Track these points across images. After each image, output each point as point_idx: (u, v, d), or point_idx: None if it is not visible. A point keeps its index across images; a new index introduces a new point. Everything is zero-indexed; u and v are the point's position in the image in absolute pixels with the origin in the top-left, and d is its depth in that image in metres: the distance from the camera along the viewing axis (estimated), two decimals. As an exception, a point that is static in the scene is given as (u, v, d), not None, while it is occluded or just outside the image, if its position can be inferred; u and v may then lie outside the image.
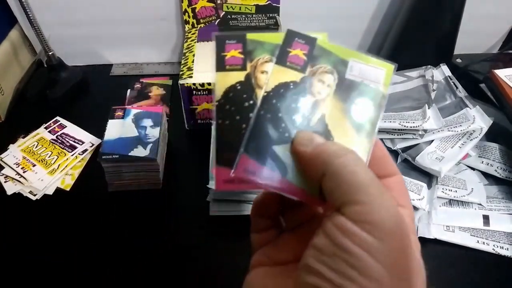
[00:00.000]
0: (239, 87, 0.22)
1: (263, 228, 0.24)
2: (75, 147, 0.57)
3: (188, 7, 0.66)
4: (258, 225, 0.25)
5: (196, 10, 0.66)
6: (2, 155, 0.55)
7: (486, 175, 0.52)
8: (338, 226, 0.17)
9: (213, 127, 0.22)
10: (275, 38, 0.22)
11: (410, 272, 0.16)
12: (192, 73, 0.56)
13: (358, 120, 0.21)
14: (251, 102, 0.21)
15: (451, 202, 0.49)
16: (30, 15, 0.58)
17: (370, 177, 0.17)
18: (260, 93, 0.22)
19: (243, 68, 0.22)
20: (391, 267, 0.16)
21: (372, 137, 0.21)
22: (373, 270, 0.15)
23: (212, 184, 0.46)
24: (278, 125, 0.21)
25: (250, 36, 0.22)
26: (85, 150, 0.57)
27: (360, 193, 0.17)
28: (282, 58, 0.22)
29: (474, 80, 0.67)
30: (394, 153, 0.54)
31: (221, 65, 0.22)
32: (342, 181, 0.17)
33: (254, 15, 0.67)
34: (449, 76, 0.61)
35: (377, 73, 0.22)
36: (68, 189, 0.53)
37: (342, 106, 0.21)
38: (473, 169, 0.53)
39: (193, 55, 0.60)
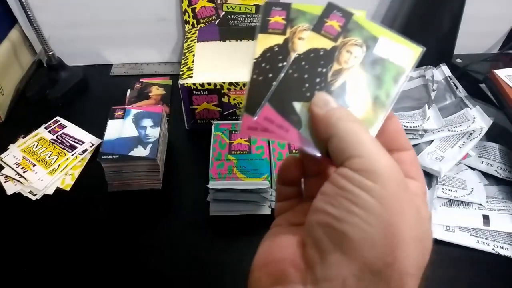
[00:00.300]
0: (276, 49, 0.24)
1: (286, 197, 0.26)
2: (75, 147, 0.57)
3: (188, 7, 0.66)
4: (281, 194, 0.27)
5: (196, 10, 0.66)
6: (2, 155, 0.55)
7: (486, 175, 0.52)
8: (341, 174, 0.19)
9: (247, 81, 0.24)
10: (317, 9, 0.25)
11: (403, 210, 0.18)
12: (192, 73, 0.56)
13: (376, 91, 0.23)
14: (285, 63, 0.24)
15: (451, 202, 0.49)
16: (30, 15, 0.59)
17: (369, 138, 0.20)
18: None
19: (283, 32, 0.24)
20: (386, 204, 0.18)
21: (386, 108, 0.23)
22: (370, 204, 0.18)
23: (212, 184, 0.46)
24: (302, 85, 0.23)
25: (295, 5, 0.25)
26: (85, 150, 0.57)
27: (360, 149, 0.19)
28: (318, 26, 0.24)
29: (474, 80, 0.67)
30: (394, 153, 0.54)
31: (264, 28, 0.25)
32: (346, 141, 0.20)
33: (254, 15, 0.67)
34: (449, 76, 0.61)
35: (404, 53, 0.23)
36: (68, 189, 0.53)
37: (364, 77, 0.23)
38: (473, 169, 0.53)
39: (193, 55, 0.60)
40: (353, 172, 0.19)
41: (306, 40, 0.24)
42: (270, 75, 0.24)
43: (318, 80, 0.23)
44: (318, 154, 0.22)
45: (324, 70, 0.23)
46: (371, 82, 0.23)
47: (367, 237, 0.18)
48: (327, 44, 0.24)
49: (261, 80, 0.24)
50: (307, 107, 0.23)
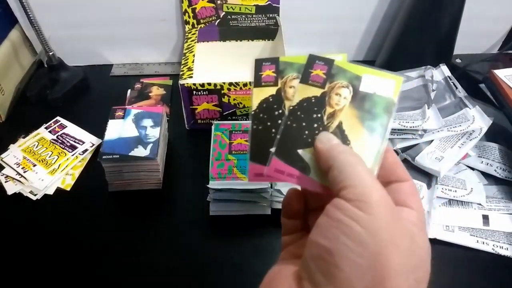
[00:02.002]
0: (271, 99, 0.27)
1: (291, 230, 0.27)
2: (75, 147, 0.57)
3: (188, 8, 0.66)
4: (286, 228, 0.28)
5: (196, 11, 0.66)
6: (3, 155, 0.55)
7: (485, 175, 0.52)
8: (335, 205, 0.20)
9: (249, 131, 0.27)
10: (302, 59, 0.27)
11: (394, 240, 0.18)
12: (192, 73, 0.56)
13: (371, 124, 0.25)
14: (280, 111, 0.26)
15: (450, 202, 0.49)
16: (30, 15, 0.59)
17: (364, 170, 0.21)
18: (288, 104, 0.26)
19: (275, 84, 0.27)
20: (377, 234, 0.18)
21: (383, 138, 0.24)
22: (361, 235, 0.18)
23: (212, 184, 0.46)
24: (302, 132, 0.25)
25: (282, 58, 0.27)
26: (86, 150, 0.57)
27: (354, 179, 0.20)
28: (305, 77, 0.26)
29: (474, 80, 0.68)
30: (394, 153, 0.54)
31: (258, 82, 0.27)
32: (342, 171, 0.21)
33: (254, 15, 0.67)
34: (448, 76, 0.61)
35: (387, 85, 0.25)
36: (68, 189, 0.53)
37: (357, 113, 0.25)
38: (472, 169, 0.53)
39: (193, 55, 0.60)
40: (346, 203, 0.19)
41: (297, 92, 0.26)
42: (269, 123, 0.26)
43: (315, 125, 0.25)
44: (326, 191, 0.23)
45: (319, 115, 0.25)
46: (364, 117, 0.25)
47: (357, 268, 0.18)
48: (316, 92, 0.26)
49: (261, 129, 0.26)
50: (311, 151, 0.25)
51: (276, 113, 0.26)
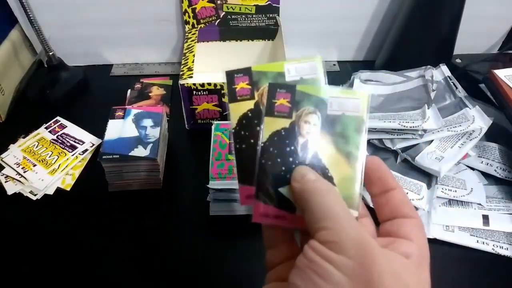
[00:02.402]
0: (250, 114, 0.25)
1: (277, 242, 0.26)
2: (75, 147, 0.57)
3: (188, 8, 0.66)
4: (270, 238, 0.26)
5: (196, 11, 0.66)
6: (3, 155, 0.55)
7: (485, 175, 0.52)
8: (311, 246, 0.20)
9: (233, 152, 0.25)
10: (275, 66, 0.25)
11: (372, 278, 0.18)
12: (192, 73, 0.56)
13: (346, 148, 0.24)
14: (292, 148, 0.24)
15: (450, 202, 0.49)
16: (30, 15, 0.59)
17: (338, 210, 0.20)
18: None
19: (252, 97, 0.25)
20: (352, 275, 0.18)
21: (361, 160, 0.24)
22: (335, 277, 0.18)
23: (212, 184, 0.46)
24: (279, 169, 0.24)
25: (255, 68, 0.25)
26: (86, 150, 0.57)
27: (327, 221, 0.20)
28: (269, 110, 0.24)
29: (474, 80, 0.68)
30: (394, 153, 0.54)
31: (233, 97, 0.25)
32: (315, 214, 0.21)
33: (254, 15, 0.67)
34: (448, 76, 0.61)
35: (354, 103, 0.24)
36: (68, 189, 0.53)
37: (330, 139, 0.24)
38: (472, 169, 0.53)
39: (193, 55, 0.60)
40: (320, 244, 0.19)
41: (264, 127, 0.24)
42: (252, 140, 0.25)
43: (291, 159, 0.24)
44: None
45: (292, 147, 0.24)
46: (338, 142, 0.24)
47: None
48: (284, 123, 0.24)
49: (245, 148, 0.25)
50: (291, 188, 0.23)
51: (258, 128, 0.24)
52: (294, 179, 0.23)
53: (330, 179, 0.24)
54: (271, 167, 0.24)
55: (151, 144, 0.50)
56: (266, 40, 0.67)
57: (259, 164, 0.24)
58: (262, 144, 0.24)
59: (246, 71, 0.25)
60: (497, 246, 0.45)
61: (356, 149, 0.24)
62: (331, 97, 0.24)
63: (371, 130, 0.54)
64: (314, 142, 0.24)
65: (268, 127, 0.24)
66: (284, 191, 0.24)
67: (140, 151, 0.49)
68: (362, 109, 0.24)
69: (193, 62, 0.58)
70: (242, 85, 0.25)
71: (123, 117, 0.53)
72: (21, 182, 0.52)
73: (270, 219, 0.24)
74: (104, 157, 0.48)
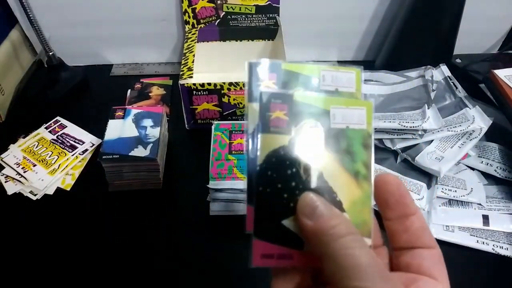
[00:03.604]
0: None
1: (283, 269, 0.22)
2: (75, 147, 0.57)
3: (188, 8, 0.66)
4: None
5: (196, 11, 0.66)
6: (3, 155, 0.55)
7: (485, 175, 0.52)
8: None
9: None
10: (311, 70, 0.22)
11: None
12: (192, 73, 0.56)
13: (353, 166, 0.21)
14: (294, 170, 0.20)
15: (450, 202, 0.49)
16: (30, 15, 0.59)
17: (370, 260, 0.17)
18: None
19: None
20: None
21: (370, 179, 0.21)
22: None
23: (212, 184, 0.46)
24: (281, 197, 0.20)
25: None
26: (86, 150, 0.57)
27: (360, 279, 0.16)
28: (264, 126, 0.20)
29: (474, 80, 0.68)
30: (394, 153, 0.54)
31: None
32: (341, 265, 0.17)
33: (254, 15, 0.67)
34: (448, 76, 0.61)
35: (359, 114, 0.22)
36: (68, 189, 0.53)
37: (335, 157, 0.21)
38: (472, 169, 0.53)
39: (193, 55, 0.60)
40: None
41: (260, 148, 0.20)
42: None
43: (293, 184, 0.20)
44: None
45: (294, 169, 0.20)
46: (344, 160, 0.21)
47: None
48: (283, 140, 0.20)
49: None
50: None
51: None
52: (302, 212, 0.19)
53: (338, 204, 0.20)
54: (270, 195, 0.20)
55: (151, 144, 0.50)
56: (266, 40, 0.67)
57: (256, 193, 0.20)
58: (258, 168, 0.20)
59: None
60: (497, 246, 0.45)
61: (364, 167, 0.21)
62: (333, 107, 0.21)
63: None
64: (318, 161, 0.21)
65: (264, 146, 0.20)
66: (289, 224, 0.20)
67: (140, 151, 0.49)
68: (368, 120, 0.21)
69: (193, 62, 0.58)
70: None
71: (123, 117, 0.53)
72: (21, 182, 0.52)
73: (274, 261, 0.20)
74: (104, 157, 0.48)
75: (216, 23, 0.68)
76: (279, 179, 0.20)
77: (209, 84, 0.55)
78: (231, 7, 0.66)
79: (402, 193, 0.21)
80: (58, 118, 0.62)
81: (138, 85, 0.69)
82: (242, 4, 0.66)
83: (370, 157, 0.21)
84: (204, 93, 0.56)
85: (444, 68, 0.62)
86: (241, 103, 0.58)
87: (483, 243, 0.46)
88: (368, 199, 0.21)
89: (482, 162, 0.52)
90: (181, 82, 0.54)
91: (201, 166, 0.50)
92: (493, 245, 0.45)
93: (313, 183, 0.20)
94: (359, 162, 0.21)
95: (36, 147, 0.57)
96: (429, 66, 0.61)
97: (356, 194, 0.21)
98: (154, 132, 0.52)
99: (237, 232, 0.48)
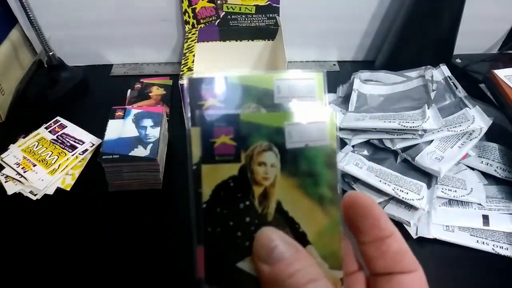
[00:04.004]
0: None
1: None
2: (75, 147, 0.57)
3: (188, 8, 0.66)
4: None
5: (196, 11, 0.66)
6: (3, 155, 0.55)
7: (485, 175, 0.52)
8: None
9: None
10: (264, 81, 0.19)
11: None
12: (192, 73, 0.56)
13: (317, 191, 0.18)
14: (248, 203, 0.18)
15: (450, 202, 0.49)
16: (30, 16, 0.59)
17: None
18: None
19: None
20: None
21: (338, 203, 0.19)
22: None
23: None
24: (234, 237, 0.18)
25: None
26: (86, 150, 0.57)
27: None
28: (208, 155, 0.17)
29: (474, 80, 0.68)
30: (394, 153, 0.54)
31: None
32: None
33: (254, 15, 0.67)
34: (448, 76, 0.61)
35: (319, 128, 0.18)
36: (68, 189, 0.53)
37: (294, 182, 0.18)
38: (472, 169, 0.53)
39: (193, 55, 0.60)
40: None
41: (204, 181, 0.17)
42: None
43: (248, 219, 0.18)
44: None
45: (248, 202, 0.18)
46: (306, 184, 0.18)
47: None
48: (231, 169, 0.18)
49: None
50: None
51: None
52: (258, 256, 0.17)
53: (302, 236, 0.18)
54: (221, 235, 0.18)
55: (151, 144, 0.50)
56: (266, 40, 0.67)
57: (205, 234, 0.18)
58: (205, 205, 0.17)
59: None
60: (497, 246, 0.45)
61: (330, 190, 0.18)
62: (288, 124, 0.18)
63: (371, 130, 0.54)
64: (274, 190, 0.18)
65: (209, 179, 0.17)
66: (246, 266, 0.17)
67: (140, 151, 0.49)
68: (330, 134, 0.18)
69: (193, 62, 0.58)
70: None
71: (123, 117, 0.53)
72: (21, 182, 0.52)
73: None
74: (104, 157, 0.48)
75: (216, 23, 0.68)
76: (230, 216, 0.18)
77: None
78: (231, 7, 0.66)
79: (376, 215, 0.19)
80: (58, 118, 0.62)
81: (138, 85, 0.69)
82: (242, 4, 0.66)
83: (335, 178, 0.18)
84: (204, 93, 0.55)
85: (444, 68, 0.62)
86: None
87: (483, 243, 0.46)
88: (336, 226, 0.18)
89: (482, 162, 0.52)
90: (181, 82, 0.54)
91: (201, 166, 0.50)
92: (493, 245, 0.45)
93: (270, 215, 0.18)
94: (324, 185, 0.18)
95: (36, 147, 0.57)
96: (429, 66, 0.61)
97: (322, 222, 0.18)
98: (154, 132, 0.52)
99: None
